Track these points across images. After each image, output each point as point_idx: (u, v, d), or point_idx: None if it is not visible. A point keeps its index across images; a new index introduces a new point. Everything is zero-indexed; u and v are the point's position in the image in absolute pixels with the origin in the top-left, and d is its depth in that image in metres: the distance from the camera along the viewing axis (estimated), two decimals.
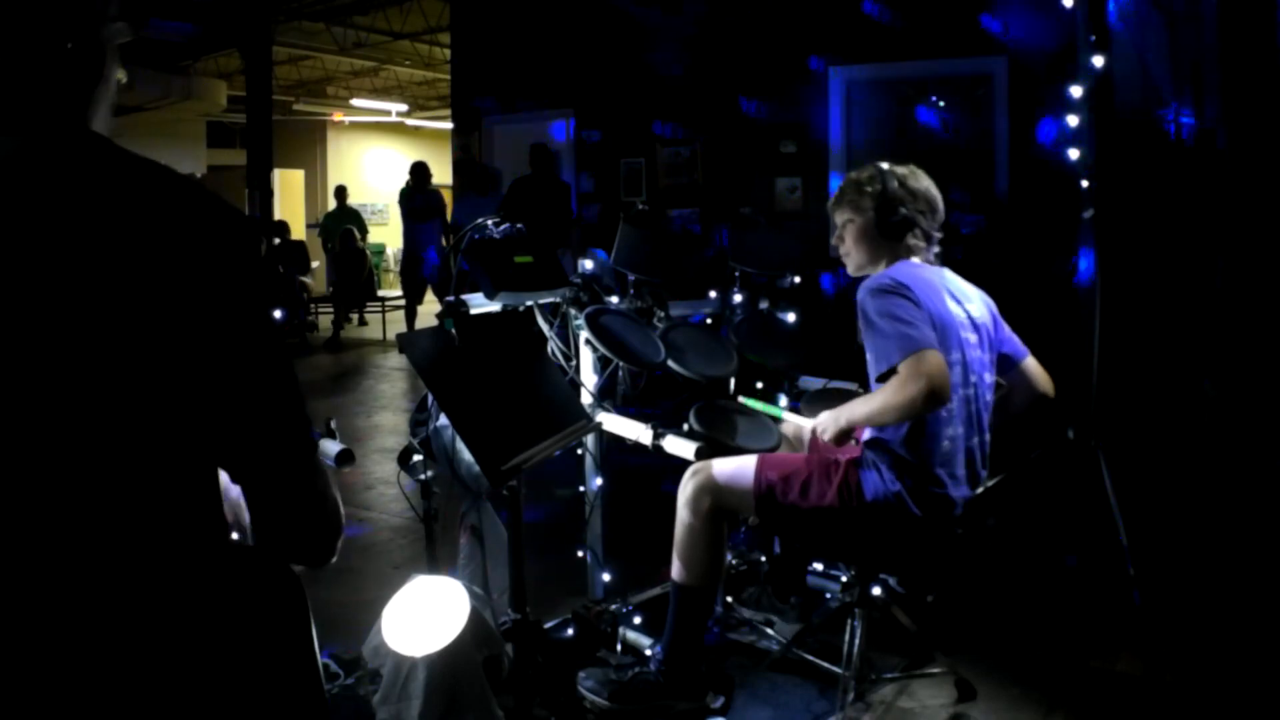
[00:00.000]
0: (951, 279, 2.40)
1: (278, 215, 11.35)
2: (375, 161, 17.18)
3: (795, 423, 2.58)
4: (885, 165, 2.43)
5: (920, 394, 2.04)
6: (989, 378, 2.34)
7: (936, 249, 2.43)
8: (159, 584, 1.07)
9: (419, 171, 9.53)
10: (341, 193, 12.13)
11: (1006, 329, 2.46)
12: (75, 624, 1.01)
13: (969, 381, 2.26)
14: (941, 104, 6.16)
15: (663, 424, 2.49)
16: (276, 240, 11.32)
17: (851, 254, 2.45)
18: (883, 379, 2.14)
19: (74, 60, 1.10)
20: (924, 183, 2.41)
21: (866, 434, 2.33)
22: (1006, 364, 2.44)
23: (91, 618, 1.02)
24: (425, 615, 1.94)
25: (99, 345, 1.01)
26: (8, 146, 1.04)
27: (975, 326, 2.32)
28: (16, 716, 0.99)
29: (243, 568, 1.22)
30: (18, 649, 0.99)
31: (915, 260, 2.37)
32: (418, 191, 9.52)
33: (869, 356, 2.21)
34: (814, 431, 2.70)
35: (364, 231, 11.88)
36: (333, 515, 1.17)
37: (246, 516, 1.18)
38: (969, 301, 2.35)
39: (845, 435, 2.29)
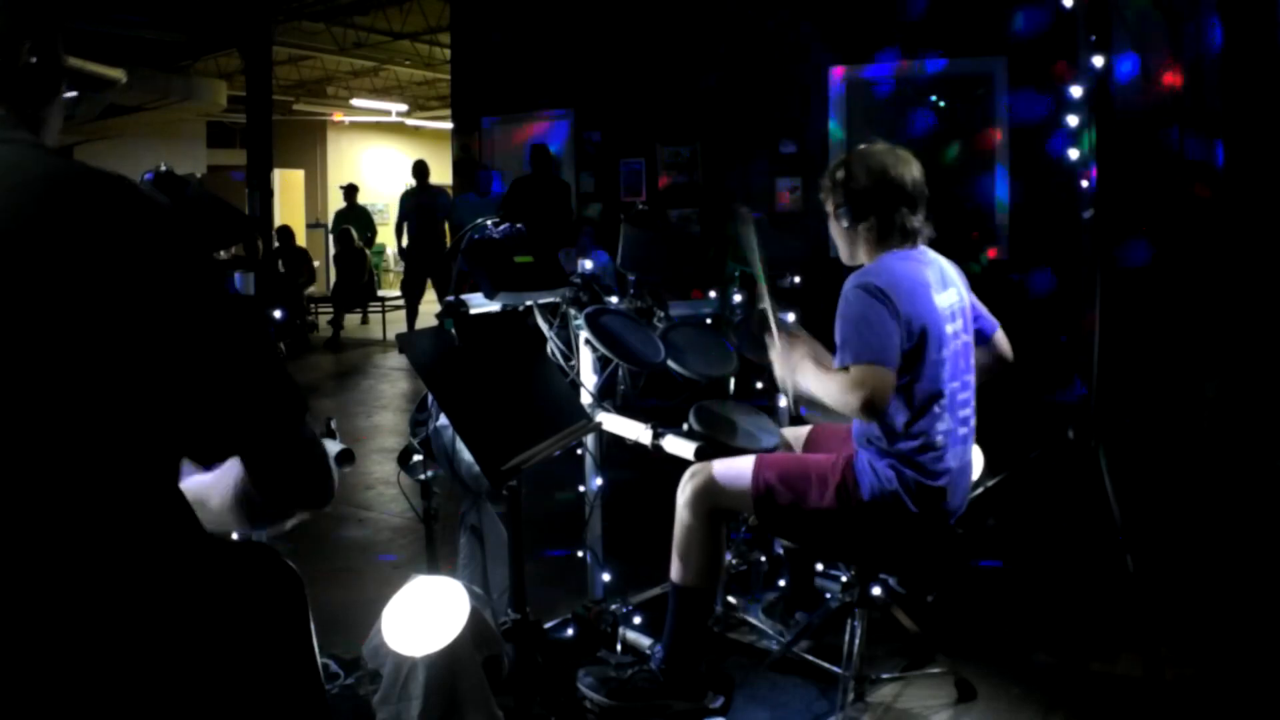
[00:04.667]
0: (934, 264, 2.36)
1: (278, 216, 11.35)
2: (375, 161, 17.19)
3: (769, 312, 2.50)
4: (862, 148, 2.38)
5: (856, 403, 2.10)
6: (972, 361, 2.36)
7: (917, 229, 2.34)
8: (155, 581, 1.07)
9: (418, 170, 9.54)
10: (352, 191, 12.13)
11: (978, 303, 2.48)
12: (69, 624, 1.01)
13: (956, 374, 2.27)
14: (942, 104, 6.16)
15: (662, 424, 2.49)
16: (275, 244, 11.32)
17: (837, 243, 2.45)
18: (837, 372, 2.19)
19: (36, 75, 1.13)
20: (896, 167, 2.31)
21: (859, 432, 2.33)
22: (979, 339, 2.45)
23: (85, 617, 1.02)
24: (425, 615, 1.94)
25: (66, 343, 1.02)
26: (12, 155, 1.07)
27: (959, 313, 2.33)
28: (13, 716, 0.99)
29: (242, 565, 1.22)
30: (10, 651, 0.99)
31: (897, 251, 2.32)
32: (420, 190, 9.53)
33: (837, 345, 2.22)
34: (812, 429, 2.70)
35: (373, 232, 11.88)
36: (324, 460, 1.22)
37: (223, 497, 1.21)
38: (952, 285, 2.35)
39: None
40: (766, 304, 2.51)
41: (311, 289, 11.74)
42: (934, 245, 2.41)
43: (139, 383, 1.06)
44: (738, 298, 3.20)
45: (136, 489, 1.08)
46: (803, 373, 2.29)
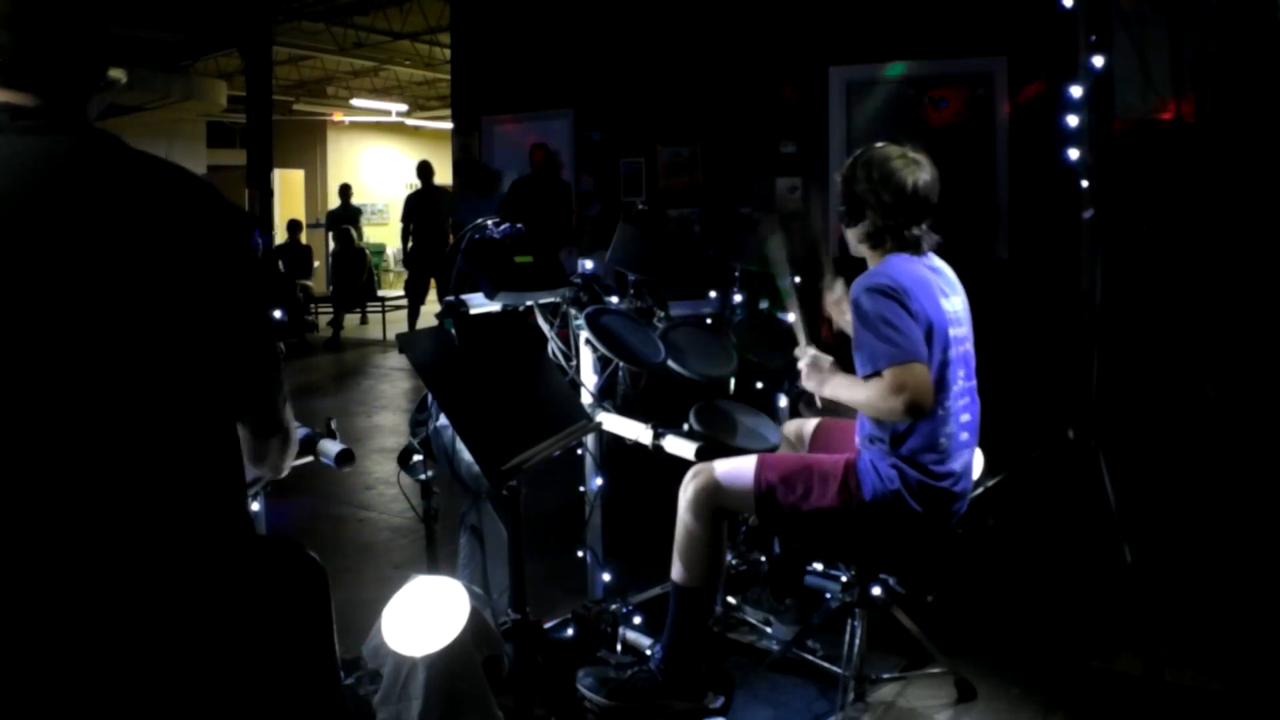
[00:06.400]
0: (941, 272, 2.37)
1: (278, 215, 11.36)
2: (375, 161, 17.18)
3: (794, 322, 2.55)
4: (878, 146, 2.34)
5: (901, 406, 2.09)
6: (974, 369, 2.36)
7: (916, 237, 2.31)
8: (182, 572, 1.08)
9: (422, 170, 9.54)
10: (346, 191, 12.14)
11: None
12: (96, 609, 1.02)
13: (958, 377, 2.26)
14: (942, 104, 6.16)
15: (663, 424, 2.49)
16: (283, 239, 11.35)
17: (847, 238, 2.44)
18: (867, 379, 2.17)
19: (90, 57, 1.16)
20: (899, 173, 2.26)
21: (863, 433, 2.33)
22: None
23: (112, 606, 1.03)
24: (425, 615, 1.94)
25: (128, 328, 1.06)
26: (66, 145, 1.11)
27: (964, 320, 2.33)
28: (36, 705, 0.99)
29: (271, 555, 1.25)
30: (39, 636, 0.99)
31: (902, 254, 2.31)
32: (424, 191, 9.52)
33: (857, 354, 2.21)
34: (815, 429, 2.70)
35: (359, 231, 11.94)
36: (290, 427, 1.36)
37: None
38: (955, 294, 2.35)
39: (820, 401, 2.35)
40: (796, 318, 2.54)
41: (310, 282, 11.76)
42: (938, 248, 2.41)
43: (191, 355, 1.10)
44: (738, 298, 3.20)
45: (194, 471, 1.10)
46: (834, 385, 2.29)
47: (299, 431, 1.89)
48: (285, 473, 1.41)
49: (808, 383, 2.36)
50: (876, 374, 2.13)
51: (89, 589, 1.01)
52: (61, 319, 1.02)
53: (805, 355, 2.40)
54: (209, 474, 1.13)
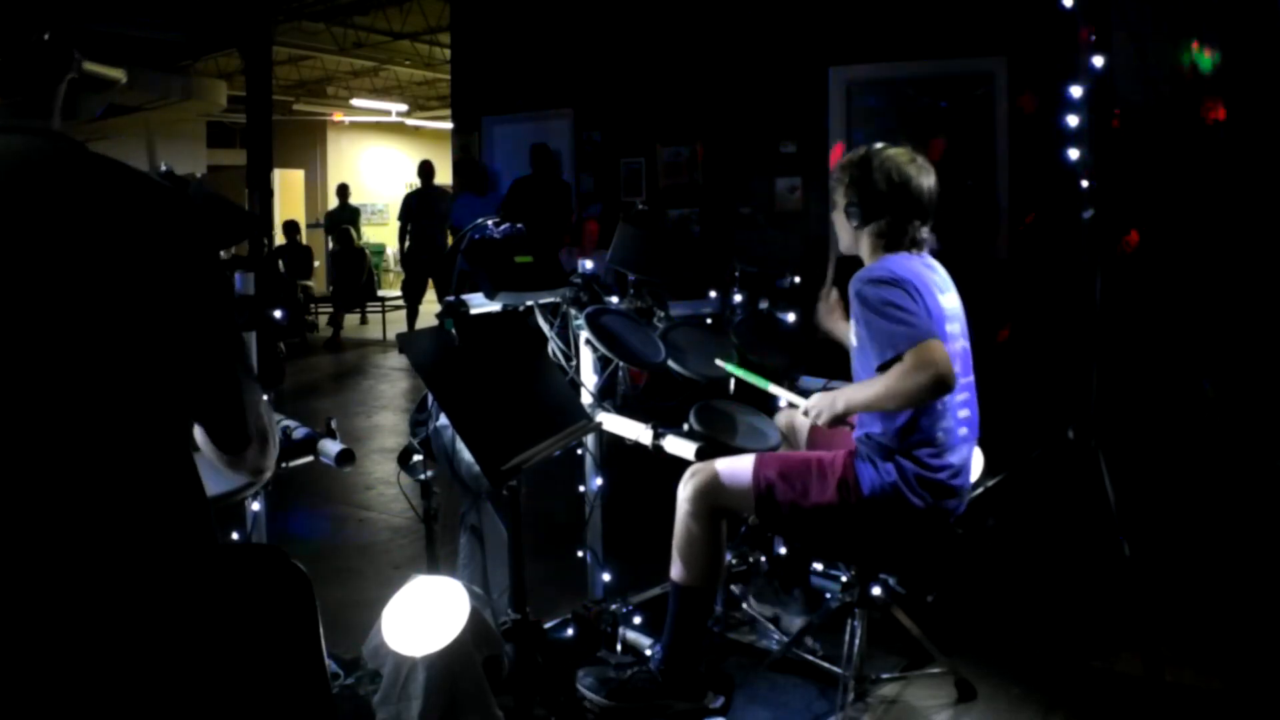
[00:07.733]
0: (937, 270, 2.37)
1: (278, 216, 11.37)
2: (375, 161, 17.19)
3: (784, 398, 2.55)
4: (879, 145, 2.37)
5: (927, 382, 2.05)
6: (970, 366, 2.36)
7: (924, 240, 2.34)
8: (164, 581, 1.07)
9: (424, 170, 9.54)
10: (344, 191, 12.16)
11: None
12: (79, 620, 1.01)
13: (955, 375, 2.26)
14: (942, 104, 6.16)
15: (663, 424, 2.49)
16: (281, 241, 11.35)
17: (838, 233, 2.45)
18: (884, 368, 2.14)
19: (48, 53, 1.14)
20: (917, 178, 2.32)
21: (860, 429, 2.33)
22: None
23: (96, 614, 1.02)
24: (425, 615, 1.94)
25: (93, 335, 1.03)
26: (24, 145, 1.09)
27: (958, 318, 2.34)
28: (21, 715, 0.99)
29: (252, 566, 1.23)
30: (21, 646, 0.99)
31: (902, 254, 2.32)
32: (425, 191, 9.52)
33: (869, 345, 2.19)
34: (811, 427, 2.70)
35: (357, 230, 11.96)
36: (266, 432, 1.29)
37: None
38: (950, 290, 2.36)
39: (839, 420, 2.30)
40: (781, 393, 2.54)
41: (310, 282, 11.77)
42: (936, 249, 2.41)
43: (150, 365, 1.08)
44: (738, 298, 3.20)
45: (154, 482, 1.09)
46: (847, 396, 2.24)
47: (299, 432, 1.89)
48: (269, 474, 1.34)
49: (823, 417, 2.29)
50: (896, 359, 2.10)
51: (33, 603, 0.99)
52: (11, 321, 1.00)
53: (809, 403, 2.35)
54: (162, 484, 1.09)
